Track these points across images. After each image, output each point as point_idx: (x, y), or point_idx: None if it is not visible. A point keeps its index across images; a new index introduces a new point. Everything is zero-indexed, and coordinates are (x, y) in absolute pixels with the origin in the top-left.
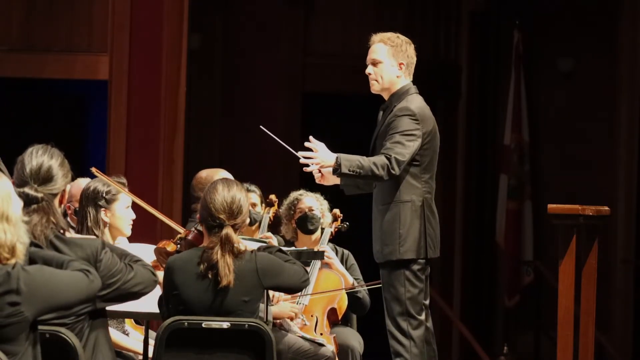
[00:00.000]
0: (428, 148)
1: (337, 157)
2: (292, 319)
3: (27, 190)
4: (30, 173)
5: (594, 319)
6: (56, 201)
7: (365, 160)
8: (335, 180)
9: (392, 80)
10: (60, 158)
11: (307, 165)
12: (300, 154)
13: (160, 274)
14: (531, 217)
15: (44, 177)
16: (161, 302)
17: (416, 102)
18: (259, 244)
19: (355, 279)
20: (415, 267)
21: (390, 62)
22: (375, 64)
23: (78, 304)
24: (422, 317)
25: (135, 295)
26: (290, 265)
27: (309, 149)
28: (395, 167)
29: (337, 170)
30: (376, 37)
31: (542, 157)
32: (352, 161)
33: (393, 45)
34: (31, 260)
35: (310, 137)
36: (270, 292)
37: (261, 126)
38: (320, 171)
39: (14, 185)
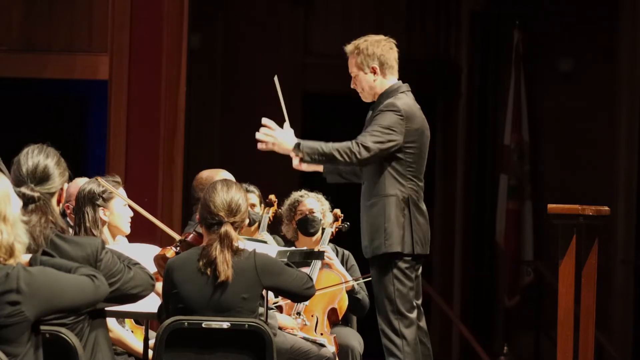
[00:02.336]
0: (414, 147)
1: (298, 144)
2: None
3: (23, 190)
4: (26, 173)
5: (594, 319)
6: (54, 200)
7: (326, 147)
8: (316, 167)
9: (372, 86)
10: (56, 157)
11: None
12: (261, 130)
13: (160, 284)
14: (531, 217)
15: (40, 177)
16: (161, 310)
17: (404, 99)
18: (259, 244)
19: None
20: (403, 264)
21: (363, 70)
22: (353, 77)
23: (83, 308)
24: (413, 315)
25: (134, 298)
26: (292, 270)
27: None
28: (361, 151)
29: (301, 158)
30: (347, 49)
31: (542, 157)
32: (313, 148)
33: (359, 53)
34: None
35: (264, 119)
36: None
37: (275, 77)
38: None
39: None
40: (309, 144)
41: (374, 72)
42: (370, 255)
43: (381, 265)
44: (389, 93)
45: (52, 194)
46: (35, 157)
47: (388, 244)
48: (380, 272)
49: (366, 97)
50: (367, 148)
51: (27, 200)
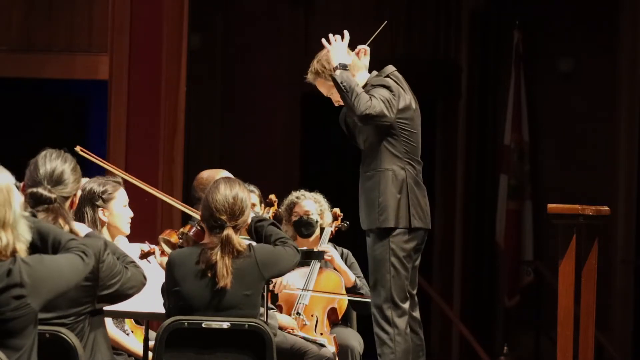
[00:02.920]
0: (408, 124)
1: (341, 66)
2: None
3: (41, 190)
4: (44, 175)
5: (594, 319)
6: (66, 204)
7: (357, 88)
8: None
9: None
10: (73, 163)
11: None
12: (334, 35)
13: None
14: (531, 217)
15: (56, 180)
16: (164, 290)
17: (390, 81)
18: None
19: (357, 277)
20: (398, 238)
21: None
22: (332, 97)
23: (74, 285)
24: (406, 305)
25: (128, 297)
26: (283, 249)
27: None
28: (371, 107)
29: (333, 76)
30: (309, 79)
31: (542, 157)
32: (349, 78)
33: (321, 74)
34: None
35: (345, 32)
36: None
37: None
38: None
39: (27, 186)
40: (349, 76)
41: None
42: (366, 228)
43: (376, 239)
44: (374, 78)
45: (65, 198)
46: (53, 161)
47: (382, 219)
48: (375, 246)
49: None
50: (376, 109)
51: (43, 201)
